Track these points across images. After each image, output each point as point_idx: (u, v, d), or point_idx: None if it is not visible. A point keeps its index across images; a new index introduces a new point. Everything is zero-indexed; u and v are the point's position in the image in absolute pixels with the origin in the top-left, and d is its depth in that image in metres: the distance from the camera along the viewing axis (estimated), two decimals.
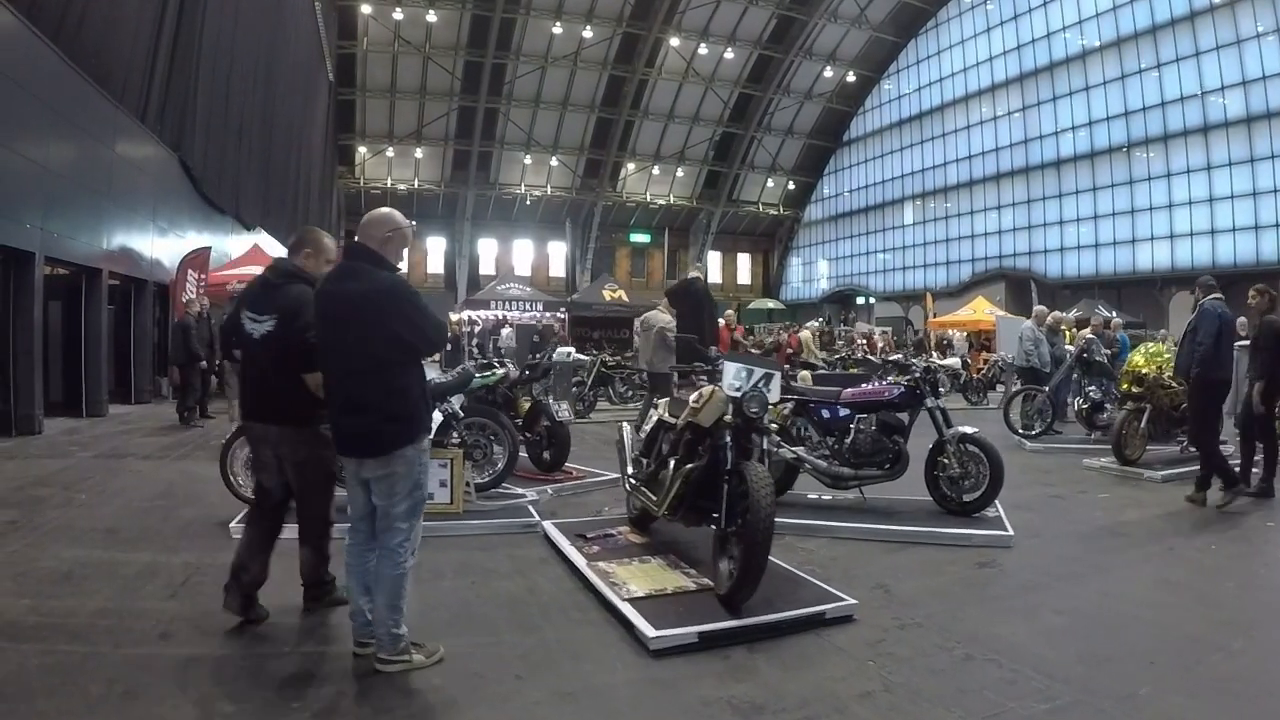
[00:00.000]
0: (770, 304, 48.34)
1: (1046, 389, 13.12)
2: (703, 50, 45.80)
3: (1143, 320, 30.29)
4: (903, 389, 7.45)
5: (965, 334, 32.78)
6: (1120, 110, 36.88)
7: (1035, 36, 40.88)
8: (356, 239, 3.92)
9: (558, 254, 54.71)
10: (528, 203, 51.72)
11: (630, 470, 6.35)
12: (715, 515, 4.93)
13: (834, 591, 4.91)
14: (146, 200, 15.12)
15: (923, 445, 7.40)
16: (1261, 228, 31.66)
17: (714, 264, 57.08)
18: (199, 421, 13.02)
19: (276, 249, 20.57)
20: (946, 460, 7.23)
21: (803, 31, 46.70)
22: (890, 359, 8.78)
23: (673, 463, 5.47)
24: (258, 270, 17.57)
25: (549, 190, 51.77)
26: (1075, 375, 13.23)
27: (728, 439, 5.00)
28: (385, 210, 4.06)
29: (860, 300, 52.91)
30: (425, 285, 50.04)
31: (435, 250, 52.37)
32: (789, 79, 50.05)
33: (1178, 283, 34.58)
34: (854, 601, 4.74)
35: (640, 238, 55.61)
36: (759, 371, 5.26)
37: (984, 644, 4.35)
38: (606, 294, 28.33)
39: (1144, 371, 10.15)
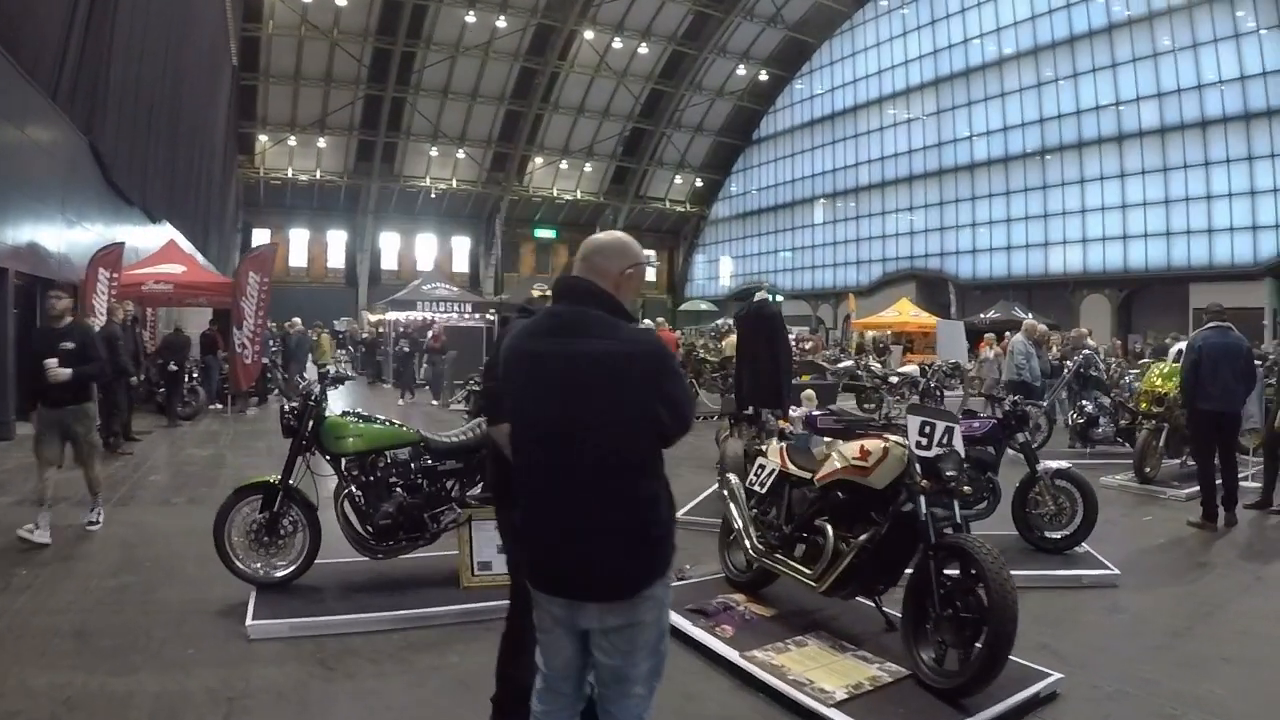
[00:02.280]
0: (703, 305, 47.64)
1: (1043, 403, 12.75)
2: (617, 44, 44.90)
3: (1056, 322, 30.73)
4: (994, 423, 7.11)
5: (890, 334, 32.72)
6: (1036, 117, 37.57)
7: (952, 42, 41.30)
8: (580, 274, 2.69)
9: (461, 249, 53.39)
10: (432, 196, 50.05)
11: (754, 532, 5.38)
12: (879, 587, 4.61)
13: (1029, 664, 4.39)
14: (55, 189, 13.21)
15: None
16: (1173, 234, 32.65)
17: None
18: (127, 447, 11.27)
19: (189, 245, 18.79)
20: (1039, 497, 6.91)
21: (718, 29, 46.28)
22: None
23: (830, 530, 4.67)
24: (175, 269, 15.98)
25: (454, 184, 50.22)
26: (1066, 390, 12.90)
27: (923, 507, 4.34)
28: (619, 236, 2.84)
29: (768, 298, 52.68)
30: (326, 281, 47.94)
31: (336, 244, 50.18)
32: (701, 76, 49.66)
33: (1089, 285, 35.58)
34: (1059, 675, 4.28)
35: (545, 233, 54.54)
36: (941, 425, 4.58)
37: (1199, 706, 4.19)
38: (536, 293, 26.90)
39: (1163, 391, 10.15)
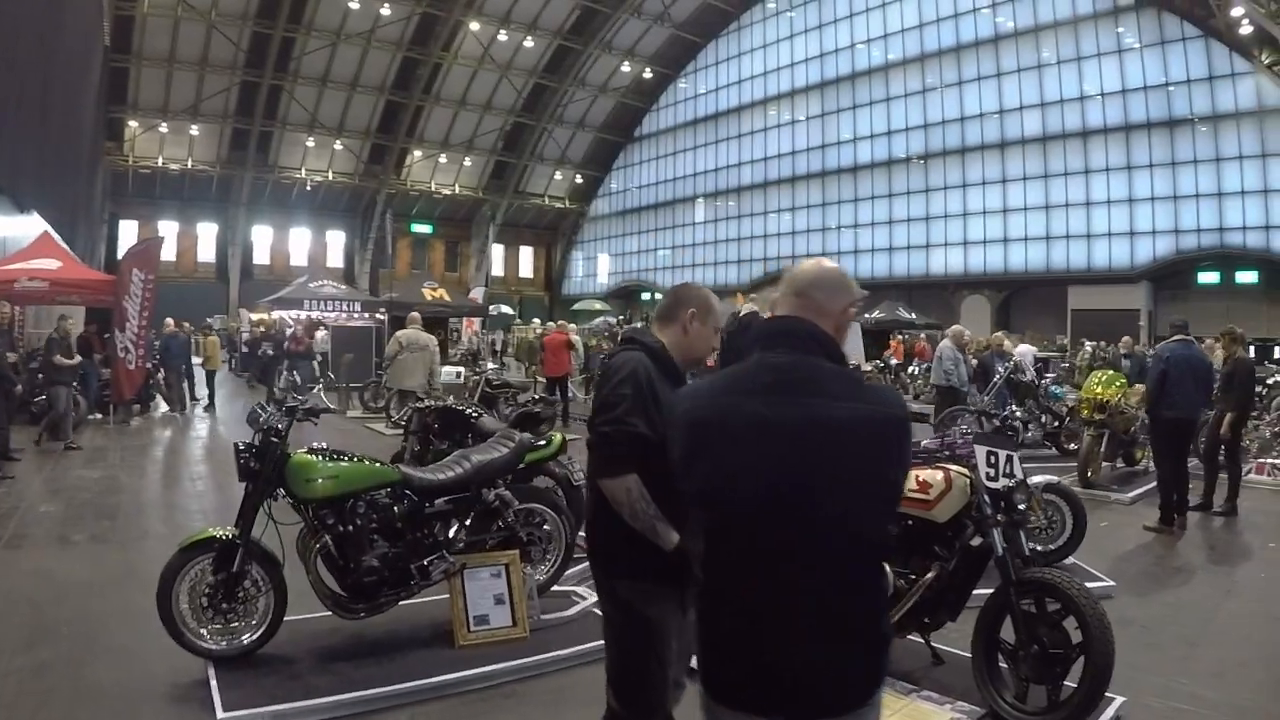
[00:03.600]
0: (597, 304, 46.86)
1: (973, 409, 12.77)
2: (502, 36, 43.81)
3: (937, 322, 31.50)
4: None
5: None
6: (920, 122, 38.51)
7: (839, 46, 41.90)
8: (796, 313, 2.13)
9: (336, 244, 51.35)
10: (308, 188, 47.87)
11: None
12: (934, 623, 4.42)
13: None
14: None
15: None
16: (1053, 238, 34.01)
17: (497, 257, 55.56)
18: (6, 470, 9.84)
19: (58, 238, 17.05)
20: (1029, 510, 6.62)
21: (605, 24, 45.73)
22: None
23: (888, 568, 4.18)
24: (50, 265, 14.39)
25: (331, 176, 48.11)
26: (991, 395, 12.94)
27: (1000, 543, 4.12)
28: (834, 266, 2.24)
29: (645, 296, 52.78)
30: (195, 276, 45.22)
31: (206, 238, 47.32)
32: (586, 71, 49.00)
33: (969, 286, 36.70)
34: (1124, 699, 4.19)
35: (422, 228, 52.86)
36: (1003, 453, 4.34)
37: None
38: (427, 293, 26.05)
39: (1104, 399, 10.38)
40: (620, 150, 55.88)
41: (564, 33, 45.79)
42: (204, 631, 4.40)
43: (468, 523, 4.88)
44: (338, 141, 46.49)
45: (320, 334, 23.11)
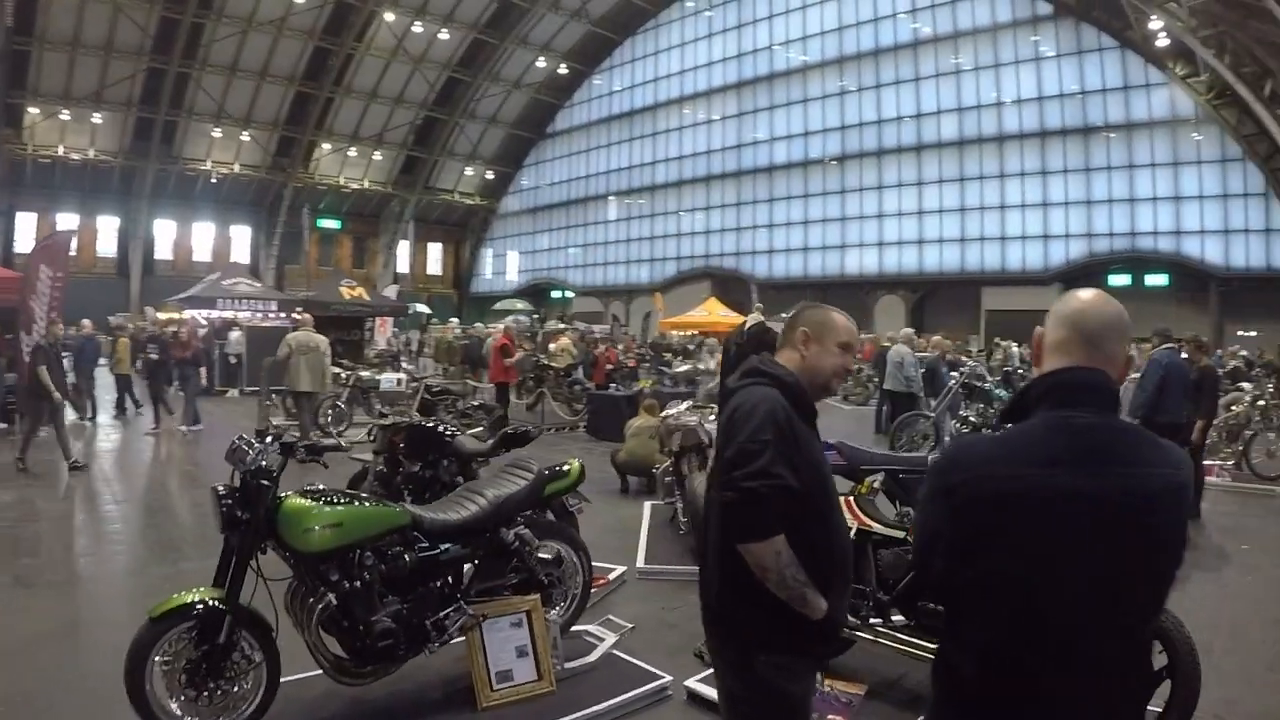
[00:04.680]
0: (519, 304, 45.78)
1: (930, 414, 12.73)
2: (417, 28, 42.63)
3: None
4: None
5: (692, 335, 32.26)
6: (837, 124, 38.86)
7: (757, 47, 42.01)
8: (1088, 364, 1.78)
9: (241, 239, 49.40)
10: (213, 181, 45.84)
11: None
12: None
13: None
14: None
15: None
16: (968, 240, 34.73)
17: (404, 254, 54.18)
18: None
19: None
20: None
21: (522, 19, 45.00)
22: None
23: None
24: None
25: (237, 168, 46.20)
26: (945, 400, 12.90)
27: None
28: (1119, 307, 1.86)
29: (556, 294, 52.20)
30: (95, 271, 42.72)
31: (107, 231, 44.82)
32: (500, 66, 48.18)
33: (884, 286, 37.20)
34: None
35: (330, 224, 51.18)
36: None
37: None
38: (345, 291, 24.95)
39: None
40: (532, 147, 55.29)
41: (480, 26, 44.95)
42: (171, 708, 3.66)
43: (482, 568, 4.35)
44: (245, 133, 44.77)
45: (234, 335, 21.99)
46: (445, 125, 50.27)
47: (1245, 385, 15.01)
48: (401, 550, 4.02)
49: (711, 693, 4.24)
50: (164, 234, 46.66)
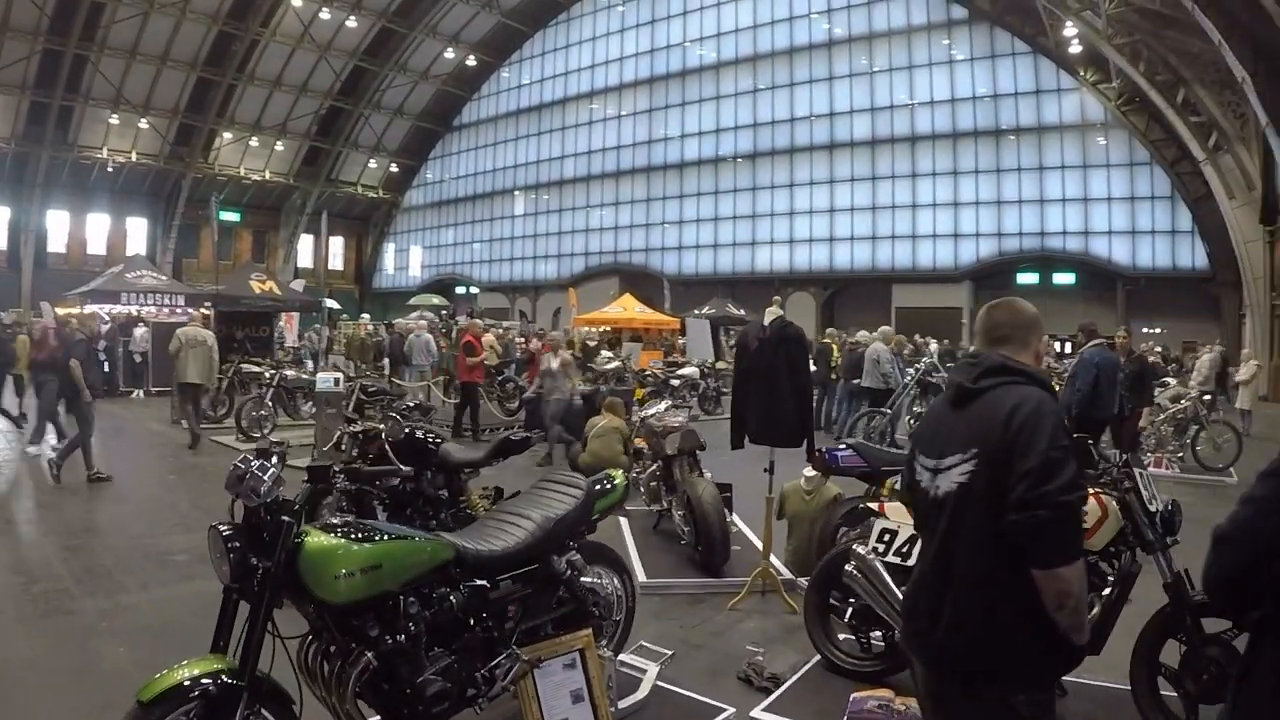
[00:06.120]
0: (434, 299, 44.25)
1: (886, 409, 12.67)
2: (325, 15, 41.21)
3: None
4: None
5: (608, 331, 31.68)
6: (749, 121, 38.96)
7: (670, 43, 41.88)
8: None
9: (137, 231, 47.18)
10: (109, 169, 43.60)
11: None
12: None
13: None
14: None
15: None
16: (879, 238, 35.22)
17: (305, 248, 52.64)
18: None
19: None
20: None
21: (432, 8, 43.98)
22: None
23: None
24: None
25: (134, 157, 43.94)
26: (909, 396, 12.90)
27: (1169, 569, 4.00)
28: None
29: (461, 290, 51.22)
30: None
31: None
32: (408, 56, 47.12)
33: (794, 283, 37.40)
34: None
35: (229, 216, 48.90)
36: (1143, 474, 4.25)
37: None
38: (255, 285, 23.72)
39: None
40: (439, 140, 54.43)
41: (389, 14, 43.78)
42: None
43: (528, 600, 3.83)
44: (143, 120, 42.57)
45: (139, 332, 20.71)
46: (350, 116, 49.00)
47: (1170, 380, 15.43)
48: (447, 591, 3.42)
49: None
50: (57, 226, 44.39)
